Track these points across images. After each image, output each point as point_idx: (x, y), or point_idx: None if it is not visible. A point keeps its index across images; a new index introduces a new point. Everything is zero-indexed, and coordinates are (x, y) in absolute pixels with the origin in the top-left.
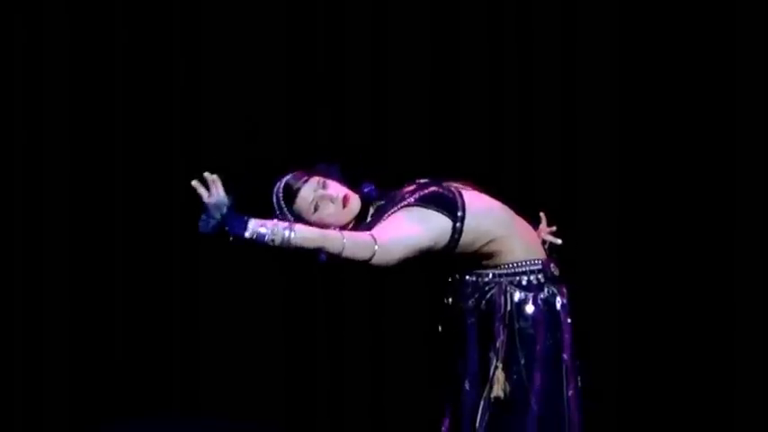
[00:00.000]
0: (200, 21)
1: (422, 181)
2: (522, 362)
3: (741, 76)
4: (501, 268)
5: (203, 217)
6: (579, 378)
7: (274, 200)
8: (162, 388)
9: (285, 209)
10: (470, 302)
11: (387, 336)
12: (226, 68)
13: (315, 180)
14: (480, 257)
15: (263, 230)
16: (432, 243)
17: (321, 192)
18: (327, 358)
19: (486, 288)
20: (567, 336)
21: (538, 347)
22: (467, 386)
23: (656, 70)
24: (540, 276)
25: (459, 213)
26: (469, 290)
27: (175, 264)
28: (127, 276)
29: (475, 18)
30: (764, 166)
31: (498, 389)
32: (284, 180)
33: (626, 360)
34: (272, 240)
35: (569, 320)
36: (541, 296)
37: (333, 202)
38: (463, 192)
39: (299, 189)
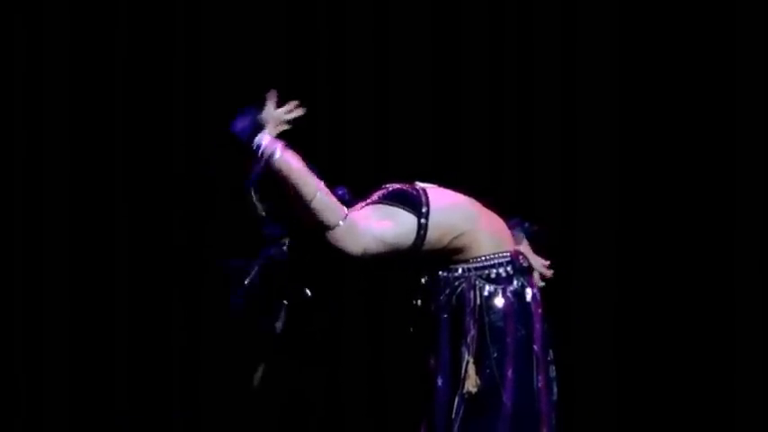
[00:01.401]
0: (200, 20)
1: (389, 185)
2: (495, 355)
3: (741, 77)
4: (470, 262)
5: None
6: (552, 368)
7: (253, 194)
8: (162, 388)
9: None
10: (442, 298)
11: (386, 340)
12: (226, 68)
13: None
14: (449, 253)
15: (263, 141)
16: (397, 240)
17: None
18: (326, 361)
19: (456, 283)
20: (538, 326)
21: (508, 340)
22: (439, 383)
23: (656, 71)
24: (508, 269)
25: (424, 209)
26: (441, 286)
27: (176, 263)
28: (127, 276)
29: (475, 18)
30: (765, 165)
31: (470, 384)
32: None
33: (626, 360)
34: (263, 154)
35: (540, 311)
36: (511, 288)
37: None
38: (428, 189)
39: None
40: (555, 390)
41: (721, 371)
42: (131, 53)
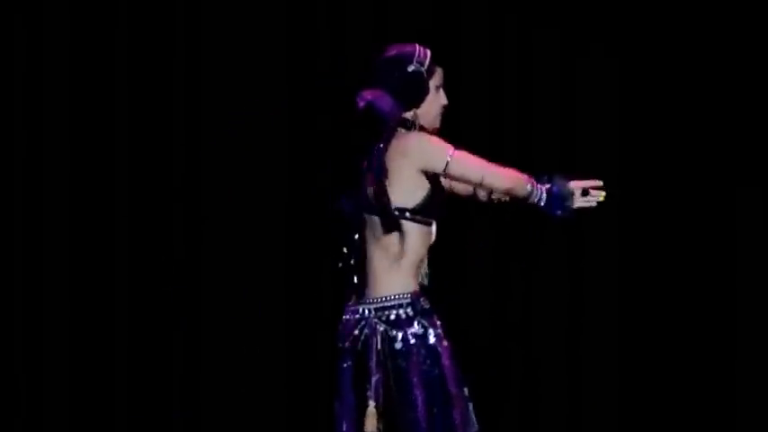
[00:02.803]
0: (200, 20)
1: None
2: (409, 397)
3: (742, 76)
4: (371, 303)
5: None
6: (470, 405)
7: (421, 65)
8: (162, 388)
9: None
10: (347, 345)
11: None
12: (226, 68)
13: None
14: (377, 272)
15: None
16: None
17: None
18: (328, 362)
19: (359, 326)
20: (447, 362)
21: (415, 380)
22: (344, 427)
23: (656, 71)
24: (408, 310)
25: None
26: (346, 330)
27: (177, 264)
28: (127, 276)
29: (475, 20)
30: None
31: (368, 425)
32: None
33: (626, 363)
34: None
35: (447, 348)
36: (411, 331)
37: (444, 107)
38: None
39: (437, 66)
40: (474, 422)
41: (721, 373)
42: (131, 53)
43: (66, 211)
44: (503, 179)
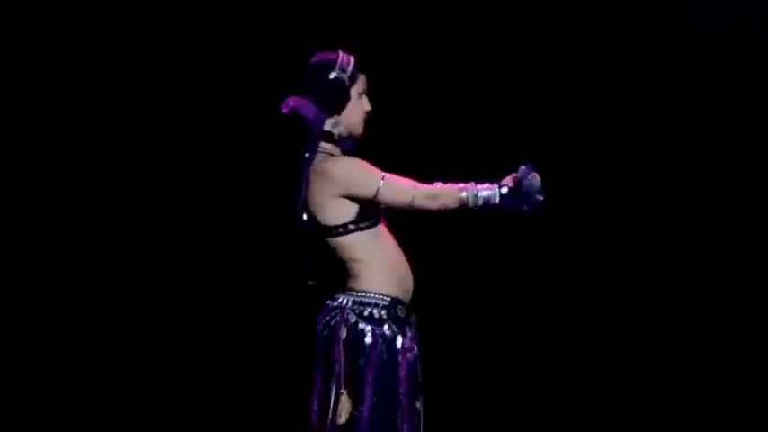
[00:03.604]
0: (200, 20)
1: None
2: (361, 391)
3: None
4: (350, 293)
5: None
6: (418, 419)
7: (343, 72)
8: (162, 388)
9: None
10: (319, 326)
11: None
12: (226, 68)
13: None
14: (347, 273)
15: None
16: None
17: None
18: None
19: (332, 314)
20: (403, 374)
21: (369, 378)
22: (314, 405)
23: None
24: (383, 312)
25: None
26: (321, 313)
27: (177, 264)
28: (127, 276)
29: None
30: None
31: (345, 416)
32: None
33: (624, 365)
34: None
35: (410, 359)
36: (379, 332)
37: (367, 113)
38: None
39: (360, 73)
40: None
41: (721, 375)
42: (131, 53)
43: (67, 211)
44: (432, 199)
